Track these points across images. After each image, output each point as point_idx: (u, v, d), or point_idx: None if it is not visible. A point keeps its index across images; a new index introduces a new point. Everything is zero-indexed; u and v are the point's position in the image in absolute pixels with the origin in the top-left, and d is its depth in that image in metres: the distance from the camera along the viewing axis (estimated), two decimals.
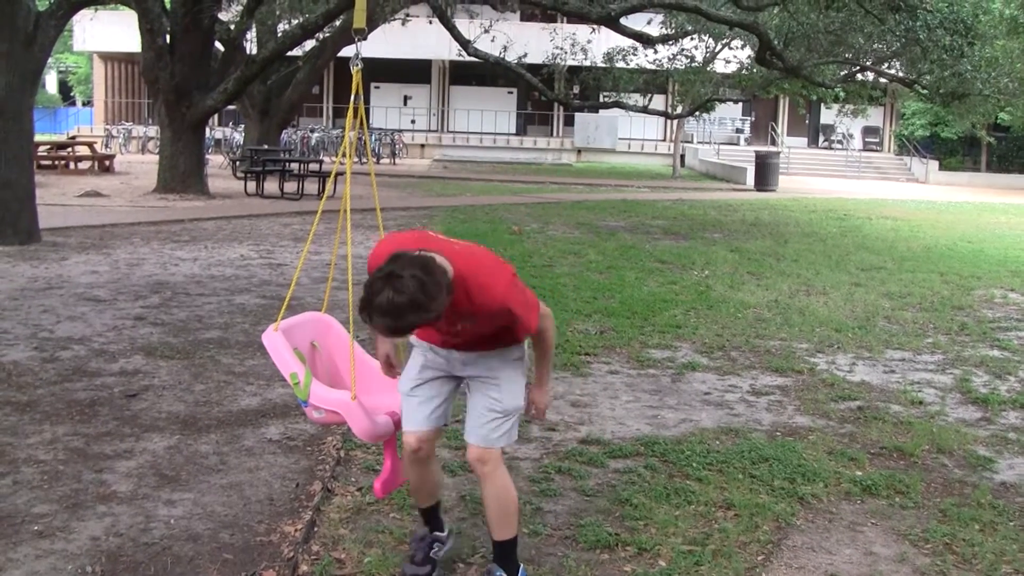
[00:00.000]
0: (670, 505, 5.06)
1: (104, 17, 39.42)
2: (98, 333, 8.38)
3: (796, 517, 5.00)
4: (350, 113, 4.50)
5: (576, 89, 33.94)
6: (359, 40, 4.64)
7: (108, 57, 45.69)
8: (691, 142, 43.95)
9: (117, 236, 14.66)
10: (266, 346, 4.27)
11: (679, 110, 33.85)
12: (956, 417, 6.98)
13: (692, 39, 28.83)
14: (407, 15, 29.30)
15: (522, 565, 4.12)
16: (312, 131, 36.97)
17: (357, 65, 4.53)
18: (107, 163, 28.27)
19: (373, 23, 24.69)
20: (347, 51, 28.57)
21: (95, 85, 48.14)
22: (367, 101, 44.85)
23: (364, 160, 32.06)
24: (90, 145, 29.67)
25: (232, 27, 24.59)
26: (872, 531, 4.90)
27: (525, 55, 27.50)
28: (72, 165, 27.87)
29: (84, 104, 57.73)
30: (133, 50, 27.30)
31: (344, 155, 4.66)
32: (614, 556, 4.49)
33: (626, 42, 27.75)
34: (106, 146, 37.05)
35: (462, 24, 26.26)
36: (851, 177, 40.49)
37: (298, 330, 4.26)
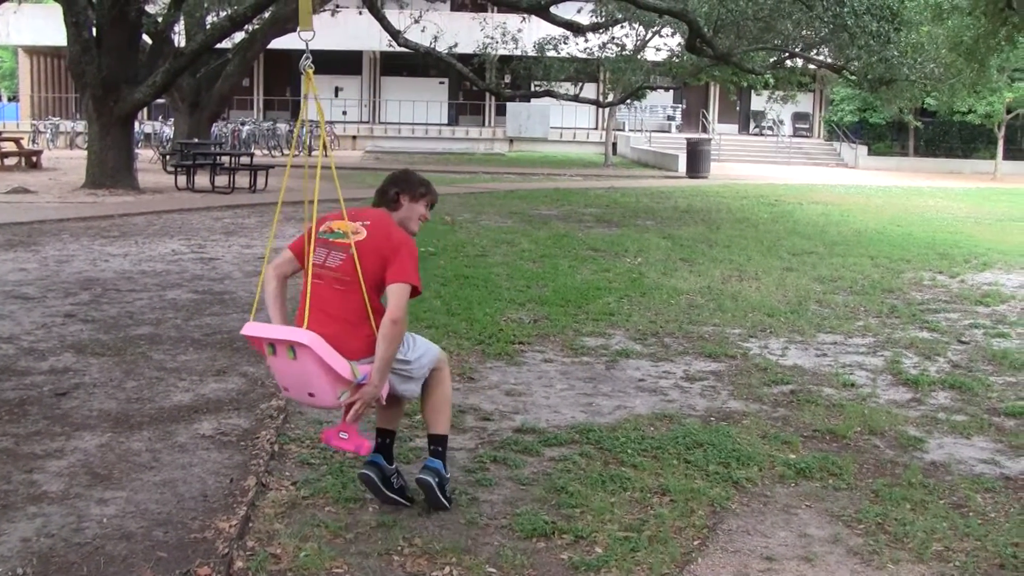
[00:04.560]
0: (606, 492, 5.09)
1: (28, 10, 38.66)
2: (27, 331, 8.25)
3: (731, 501, 5.05)
4: (302, 113, 4.86)
5: (507, 78, 33.86)
6: (307, 40, 4.63)
7: (33, 51, 44.87)
8: (623, 130, 44.08)
9: (45, 233, 14.42)
10: (315, 348, 4.29)
11: (610, 98, 33.92)
12: (887, 399, 7.09)
13: (622, 27, 28.88)
14: (337, 6, 29.11)
15: None
16: (243, 124, 36.57)
17: (309, 68, 4.56)
18: (34, 159, 27.77)
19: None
20: (277, 43, 28.34)
21: (20, 79, 47.27)
22: (297, 93, 44.61)
23: (299, 153, 31.66)
24: (16, 141, 29.14)
25: (160, 19, 24.32)
26: (806, 513, 4.96)
27: (456, 45, 27.40)
28: None
29: (10, 99, 56.52)
30: (59, 43, 26.80)
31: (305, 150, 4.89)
32: (551, 544, 4.51)
33: (557, 31, 27.82)
34: (33, 142, 36.38)
35: (392, 14, 26.12)
36: (782, 163, 40.84)
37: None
